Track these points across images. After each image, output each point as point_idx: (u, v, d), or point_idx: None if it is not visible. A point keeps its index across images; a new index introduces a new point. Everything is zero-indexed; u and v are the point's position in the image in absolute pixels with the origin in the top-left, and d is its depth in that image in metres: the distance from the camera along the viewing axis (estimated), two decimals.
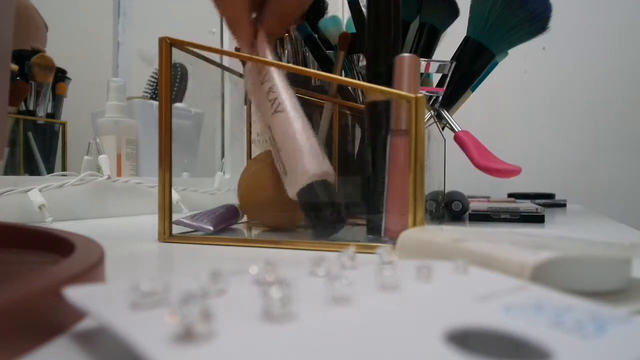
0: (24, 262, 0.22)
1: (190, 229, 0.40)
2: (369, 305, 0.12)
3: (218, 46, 0.88)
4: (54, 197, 0.52)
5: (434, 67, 0.39)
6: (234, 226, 0.45)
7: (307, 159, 0.33)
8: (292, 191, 0.34)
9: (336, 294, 0.12)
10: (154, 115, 0.71)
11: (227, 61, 0.76)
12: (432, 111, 0.42)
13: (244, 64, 0.55)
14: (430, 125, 0.39)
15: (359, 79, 0.46)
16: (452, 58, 0.50)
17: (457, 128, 0.42)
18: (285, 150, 0.34)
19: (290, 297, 0.11)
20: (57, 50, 0.64)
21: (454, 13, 0.50)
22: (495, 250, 0.17)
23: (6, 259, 0.23)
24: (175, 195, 0.60)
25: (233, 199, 0.45)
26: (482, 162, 0.34)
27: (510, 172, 0.34)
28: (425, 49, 0.49)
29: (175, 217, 0.37)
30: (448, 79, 0.42)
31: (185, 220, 0.40)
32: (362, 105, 0.48)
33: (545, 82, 1.36)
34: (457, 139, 0.40)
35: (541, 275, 0.15)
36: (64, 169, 0.65)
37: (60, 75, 0.64)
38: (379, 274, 0.14)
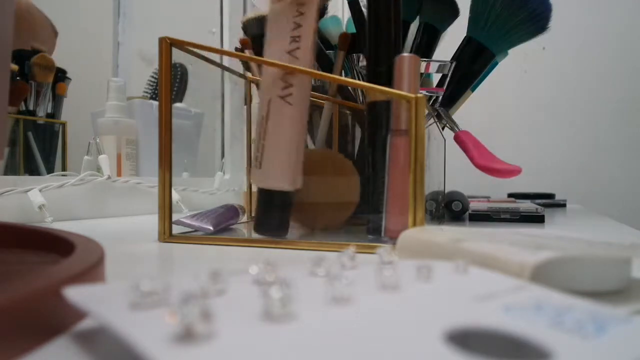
0: (24, 262, 0.22)
1: (190, 229, 0.40)
2: (369, 305, 0.12)
3: (218, 46, 0.88)
4: (54, 197, 0.52)
5: (434, 67, 0.39)
6: (234, 226, 0.45)
7: (288, 170, 0.34)
8: (257, 182, 0.35)
9: (336, 294, 0.12)
10: (154, 115, 0.71)
11: (227, 61, 0.76)
12: (432, 111, 0.42)
13: (244, 63, 0.55)
14: (430, 125, 0.39)
15: (359, 79, 0.46)
16: (452, 58, 0.50)
17: (457, 128, 0.42)
18: (271, 145, 0.34)
19: (290, 297, 0.11)
20: (57, 50, 0.64)
21: (454, 13, 0.50)
22: (495, 251, 0.17)
23: (6, 259, 0.23)
24: (175, 195, 0.60)
25: (233, 199, 0.45)
26: (482, 162, 0.34)
27: (510, 172, 0.33)
28: (425, 49, 0.49)
29: (175, 217, 0.37)
30: (448, 79, 0.42)
31: (185, 220, 0.40)
32: (361, 105, 0.48)
33: (545, 82, 1.36)
34: (457, 139, 0.40)
35: (541, 275, 0.15)
36: (64, 169, 0.64)
37: (60, 75, 0.64)
38: (379, 274, 0.14)
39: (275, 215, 0.36)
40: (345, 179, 0.41)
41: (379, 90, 0.33)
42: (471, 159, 0.36)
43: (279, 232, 0.36)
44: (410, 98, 0.30)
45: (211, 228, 0.39)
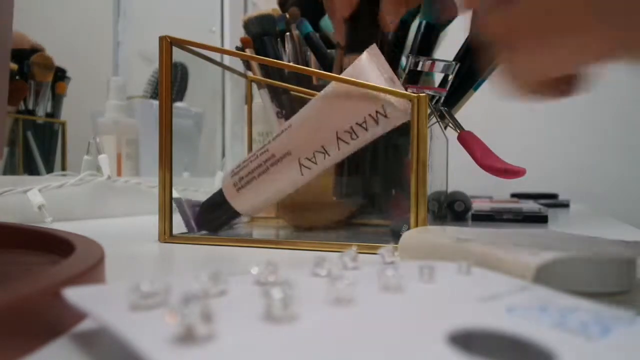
0: (23, 263, 0.22)
1: (187, 231, 0.40)
2: (371, 306, 0.12)
3: (218, 45, 0.88)
4: (54, 197, 0.52)
5: (438, 66, 0.39)
6: (235, 226, 0.45)
7: (257, 208, 0.36)
8: (227, 195, 0.36)
9: (338, 294, 0.12)
10: (154, 114, 0.71)
11: (227, 60, 0.76)
12: (434, 110, 0.42)
13: (245, 62, 0.55)
14: (433, 124, 0.39)
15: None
16: (455, 57, 0.49)
17: (460, 128, 0.42)
18: (260, 187, 0.35)
19: (292, 298, 0.11)
20: (56, 49, 0.63)
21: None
22: (498, 251, 0.17)
23: (6, 259, 0.23)
24: (175, 195, 0.59)
25: None
26: (487, 162, 0.34)
27: (515, 173, 0.33)
28: (426, 48, 0.49)
29: (175, 217, 0.37)
30: (451, 79, 0.42)
31: (185, 207, 0.40)
32: None
33: None
34: (461, 139, 0.40)
35: (545, 276, 0.15)
36: (63, 168, 0.64)
37: (60, 75, 0.64)
38: (381, 274, 0.14)
39: (222, 219, 0.38)
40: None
41: (380, 89, 0.32)
42: (475, 159, 0.36)
43: (216, 229, 0.39)
44: (412, 97, 0.30)
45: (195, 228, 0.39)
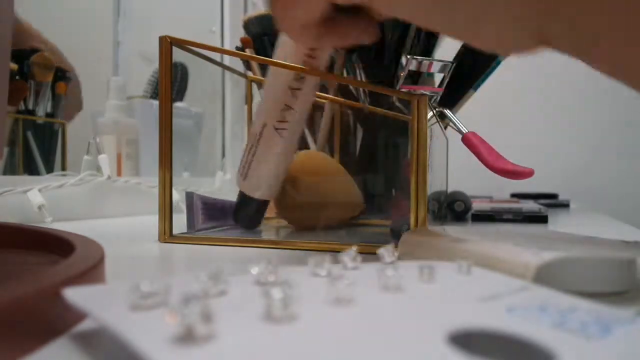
0: (23, 263, 0.22)
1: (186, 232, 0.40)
2: (371, 305, 0.12)
3: (218, 45, 0.88)
4: (54, 197, 0.52)
5: (436, 66, 0.39)
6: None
7: (267, 186, 0.38)
8: (240, 187, 0.39)
9: (338, 294, 0.12)
10: (154, 114, 0.71)
11: (227, 60, 0.76)
12: (434, 111, 0.42)
13: (245, 62, 0.55)
14: (433, 124, 0.39)
15: (360, 78, 0.46)
16: (455, 57, 0.49)
17: (464, 129, 0.42)
18: (258, 165, 0.37)
19: (292, 298, 0.11)
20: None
21: None
22: (498, 251, 0.17)
23: (6, 259, 0.23)
24: (175, 195, 0.59)
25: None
26: (496, 164, 0.34)
27: (525, 174, 0.33)
28: (426, 47, 0.49)
29: (175, 217, 0.37)
30: (447, 79, 0.42)
31: (195, 202, 0.40)
32: (362, 104, 0.48)
33: (548, 82, 1.36)
34: (466, 140, 0.40)
35: (545, 276, 0.15)
36: (63, 168, 0.64)
37: (60, 75, 0.64)
38: (381, 274, 0.14)
39: (249, 212, 0.40)
40: (334, 180, 0.42)
41: (380, 90, 0.32)
42: (483, 161, 0.36)
43: (252, 225, 0.41)
44: (412, 98, 0.30)
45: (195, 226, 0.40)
